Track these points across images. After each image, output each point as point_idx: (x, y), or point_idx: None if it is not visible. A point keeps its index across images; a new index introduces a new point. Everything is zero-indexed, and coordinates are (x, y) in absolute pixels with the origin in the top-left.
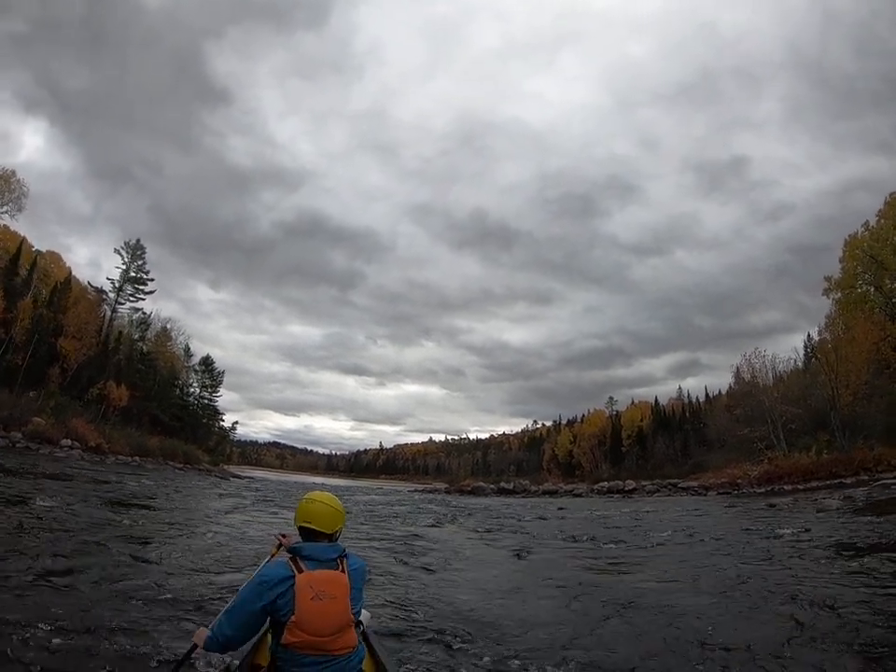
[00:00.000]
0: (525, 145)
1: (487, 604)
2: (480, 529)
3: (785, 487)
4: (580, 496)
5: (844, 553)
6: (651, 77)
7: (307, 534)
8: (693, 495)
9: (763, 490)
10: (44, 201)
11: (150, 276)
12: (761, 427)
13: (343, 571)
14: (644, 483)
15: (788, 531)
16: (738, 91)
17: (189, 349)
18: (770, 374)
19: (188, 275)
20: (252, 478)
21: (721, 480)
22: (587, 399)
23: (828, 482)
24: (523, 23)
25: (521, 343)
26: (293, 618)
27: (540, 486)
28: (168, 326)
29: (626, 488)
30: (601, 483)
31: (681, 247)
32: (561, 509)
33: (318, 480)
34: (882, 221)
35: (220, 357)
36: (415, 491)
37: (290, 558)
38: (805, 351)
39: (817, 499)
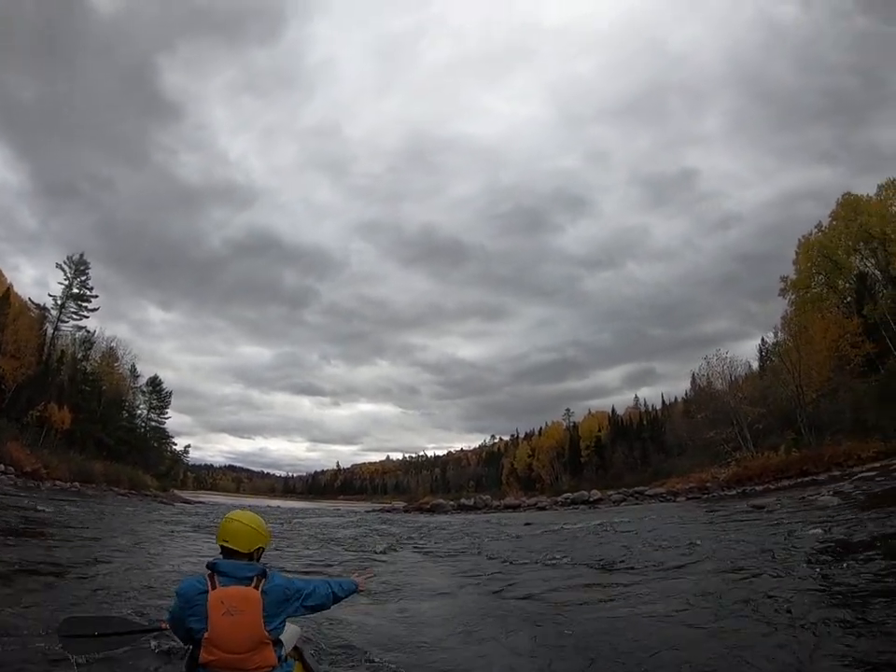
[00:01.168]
0: (474, 160)
1: (431, 643)
2: (438, 551)
3: (756, 488)
4: (543, 509)
5: None
6: (599, 93)
7: (226, 552)
8: (661, 501)
9: (734, 492)
10: None
11: (94, 293)
12: (726, 429)
13: (256, 588)
14: (609, 492)
15: (815, 531)
16: (684, 106)
17: (135, 369)
18: (729, 376)
19: (138, 295)
20: (202, 503)
21: (689, 484)
22: (543, 412)
23: (799, 479)
24: (474, 40)
25: (474, 359)
26: (206, 634)
27: (502, 501)
28: (113, 345)
29: (591, 499)
30: (565, 495)
31: (631, 259)
32: (528, 524)
33: (275, 503)
34: (835, 222)
35: (172, 380)
36: (373, 511)
37: (209, 574)
38: (760, 354)
39: (804, 497)
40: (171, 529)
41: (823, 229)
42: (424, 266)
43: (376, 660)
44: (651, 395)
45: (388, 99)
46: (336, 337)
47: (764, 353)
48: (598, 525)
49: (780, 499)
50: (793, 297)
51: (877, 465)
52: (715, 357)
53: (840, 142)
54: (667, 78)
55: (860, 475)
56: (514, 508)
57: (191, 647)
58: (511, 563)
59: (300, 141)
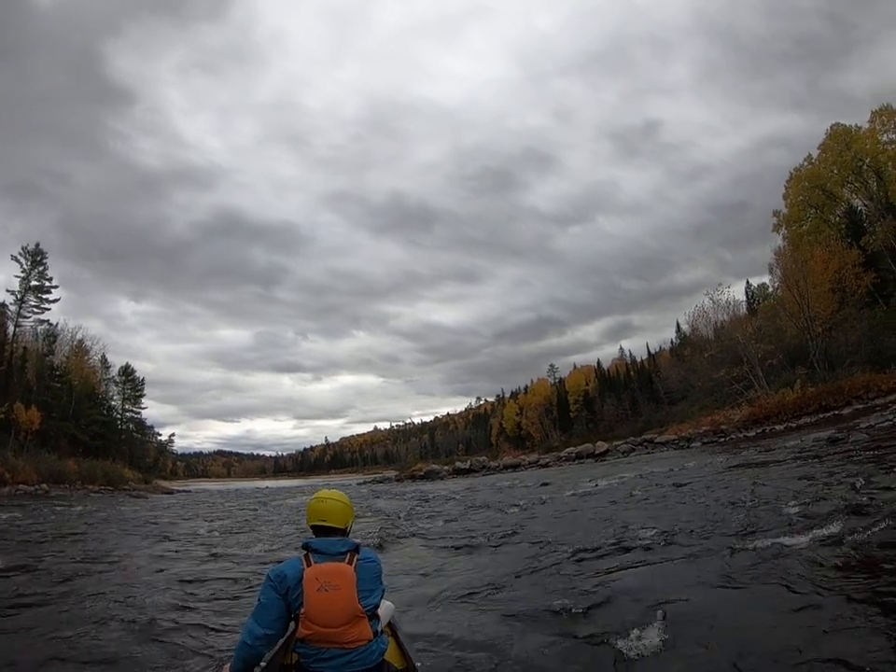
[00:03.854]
0: (438, 123)
1: None
2: (456, 537)
3: (776, 427)
4: (547, 466)
5: None
6: (561, 48)
7: (320, 531)
8: (676, 448)
9: (753, 433)
10: None
11: (54, 283)
12: (735, 369)
13: (350, 564)
14: (616, 443)
15: None
16: (650, 56)
17: (106, 360)
18: (732, 313)
19: (107, 290)
20: (186, 491)
21: (702, 429)
22: (526, 371)
23: (821, 415)
24: (425, 2)
25: (453, 323)
26: (303, 610)
27: (500, 461)
28: (80, 337)
29: (597, 451)
30: (568, 450)
31: (603, 214)
32: (545, 484)
33: (264, 484)
34: (824, 154)
35: (152, 371)
36: (364, 483)
37: (304, 554)
38: (747, 297)
39: (859, 425)
40: (115, 537)
41: (813, 161)
42: (394, 234)
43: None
44: (634, 346)
45: (345, 67)
46: (311, 312)
47: (751, 295)
48: (636, 478)
49: (854, 430)
50: (786, 232)
51: None
52: (711, 298)
53: (810, 88)
54: (632, 29)
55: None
56: (515, 467)
57: (292, 623)
58: (589, 550)
59: (258, 116)
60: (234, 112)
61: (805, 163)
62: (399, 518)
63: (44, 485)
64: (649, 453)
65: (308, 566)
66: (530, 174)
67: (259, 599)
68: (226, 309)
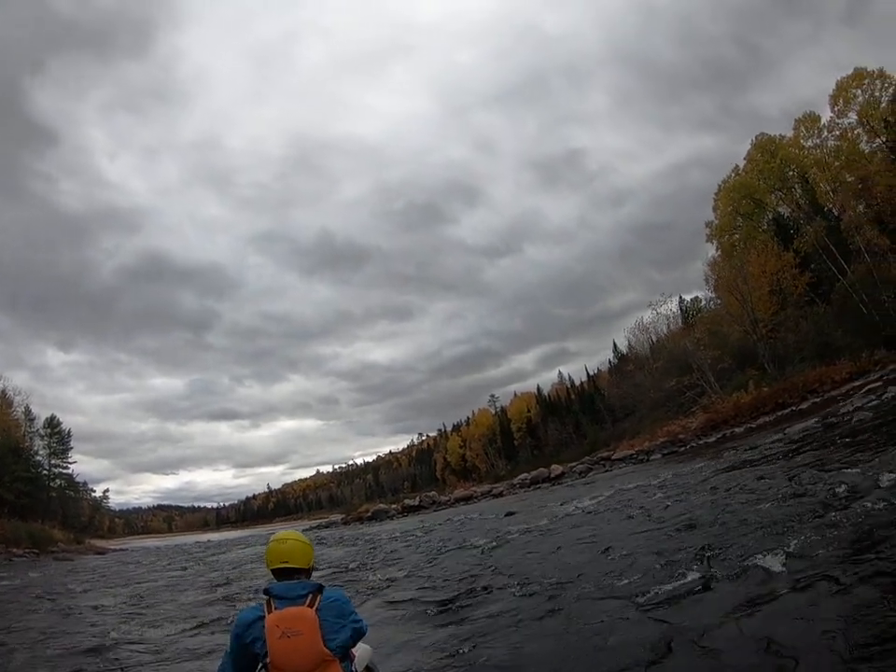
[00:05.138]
0: (361, 159)
1: None
2: (419, 584)
3: (736, 430)
4: (501, 495)
5: None
6: (480, 82)
7: (281, 574)
8: (636, 463)
9: (713, 439)
10: None
11: None
12: (687, 377)
13: (311, 606)
14: (571, 463)
15: None
16: (566, 87)
17: (29, 411)
18: (675, 323)
19: (34, 339)
20: (125, 550)
21: (660, 440)
22: (466, 404)
23: (779, 413)
24: (347, 40)
25: (388, 361)
26: (268, 659)
27: (451, 495)
28: (2, 387)
29: (553, 475)
30: (521, 476)
31: (529, 244)
32: (511, 514)
33: (205, 537)
34: (750, 165)
35: (84, 424)
36: (309, 529)
37: (266, 600)
38: (681, 311)
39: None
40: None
41: (740, 172)
42: (323, 273)
43: None
44: (572, 371)
45: (267, 106)
46: (244, 357)
47: (685, 309)
48: (614, 496)
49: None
50: (718, 242)
51: (857, 383)
52: (655, 309)
53: (722, 109)
54: (547, 62)
55: (856, 395)
56: (467, 499)
57: None
58: (626, 592)
59: (181, 156)
60: (158, 152)
61: (733, 174)
62: (349, 570)
63: None
64: (607, 470)
65: (269, 612)
66: (456, 206)
67: (229, 645)
68: (157, 356)
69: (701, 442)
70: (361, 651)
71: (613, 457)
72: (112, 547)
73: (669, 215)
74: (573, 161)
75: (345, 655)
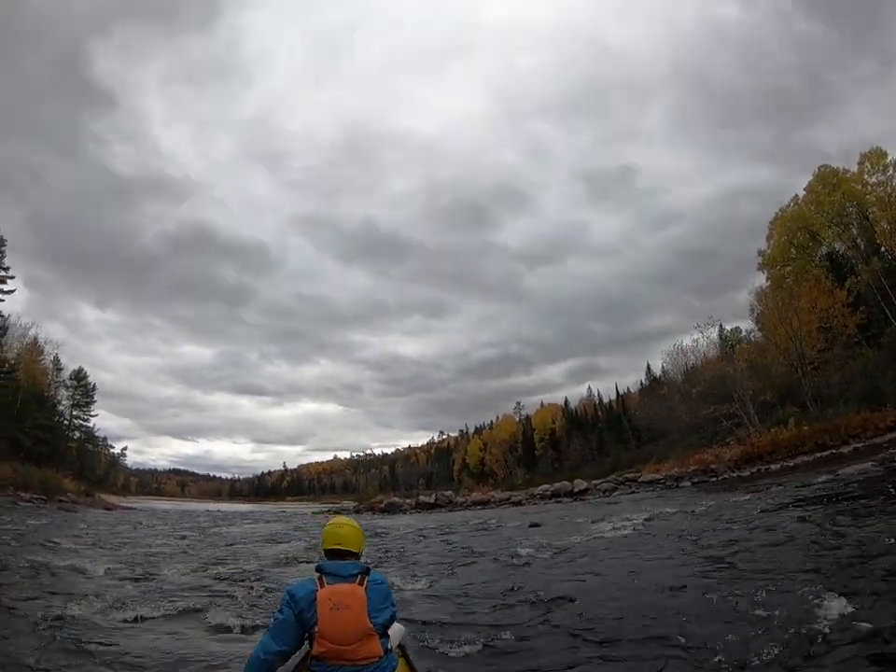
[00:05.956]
0: (413, 154)
1: None
2: (446, 602)
3: (771, 466)
4: (520, 503)
5: None
6: (538, 88)
7: (334, 554)
8: (664, 489)
9: (747, 473)
10: None
11: (10, 274)
12: (725, 406)
13: (361, 585)
14: (595, 481)
15: None
16: (625, 102)
17: (58, 361)
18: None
19: (72, 294)
20: (133, 509)
21: (691, 468)
22: (489, 407)
23: (818, 454)
24: (412, 34)
25: (417, 356)
26: (317, 628)
27: (468, 497)
28: (33, 333)
29: (576, 489)
30: (543, 487)
31: (572, 256)
32: (536, 525)
33: (216, 506)
34: (810, 196)
35: (111, 382)
36: (320, 512)
37: (318, 576)
38: (721, 340)
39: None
40: None
41: (799, 202)
42: (364, 262)
43: None
44: (600, 388)
45: (325, 92)
46: (276, 335)
47: (725, 339)
48: (653, 521)
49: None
50: (769, 272)
51: None
52: (701, 331)
53: (780, 141)
54: (608, 75)
55: None
56: (483, 504)
57: (307, 642)
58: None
59: (235, 133)
60: (213, 126)
61: (791, 204)
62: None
63: None
64: (633, 492)
65: (321, 587)
66: (502, 210)
67: (276, 615)
68: (190, 325)
69: (734, 475)
70: (395, 629)
71: (640, 479)
72: (121, 504)
73: (715, 242)
74: (624, 177)
75: (384, 633)
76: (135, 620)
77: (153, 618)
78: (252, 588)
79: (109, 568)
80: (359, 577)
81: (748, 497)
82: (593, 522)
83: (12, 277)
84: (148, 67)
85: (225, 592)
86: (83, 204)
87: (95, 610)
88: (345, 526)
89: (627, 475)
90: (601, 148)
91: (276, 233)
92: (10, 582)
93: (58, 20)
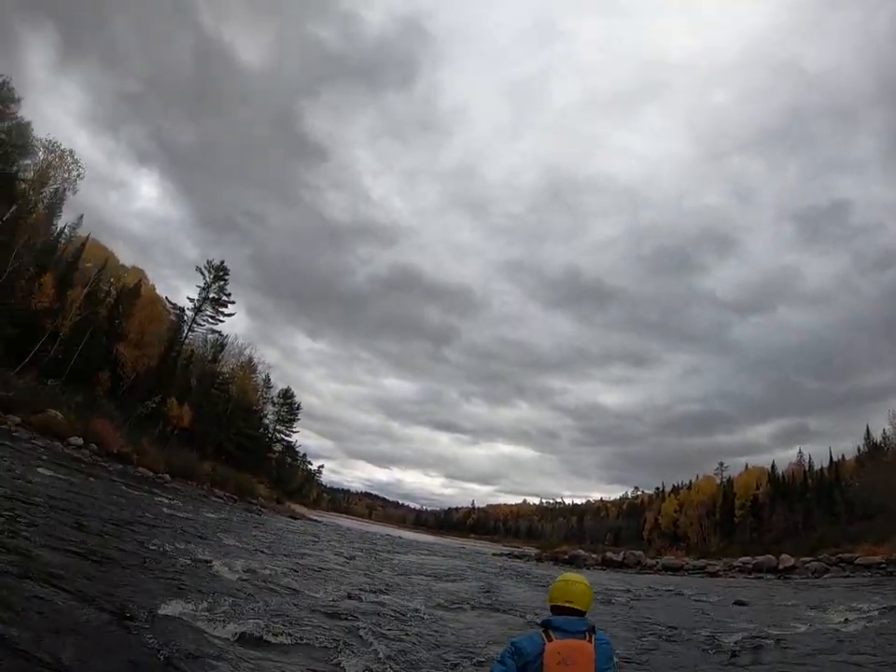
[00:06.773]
0: (614, 199)
1: None
2: None
3: None
4: (716, 574)
5: None
6: (736, 124)
7: (562, 610)
8: (883, 574)
9: None
10: (157, 246)
11: (231, 299)
12: None
13: (589, 642)
14: (804, 559)
15: None
16: (830, 130)
17: (269, 380)
18: None
19: (288, 323)
20: (318, 522)
21: None
22: (687, 467)
23: None
24: (602, 78)
25: (617, 407)
26: None
27: (658, 560)
28: (249, 353)
29: (781, 566)
30: (743, 559)
31: (782, 303)
32: (741, 604)
33: (398, 533)
34: None
35: (317, 406)
36: (501, 555)
37: (543, 630)
38: None
39: None
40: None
41: None
42: (567, 309)
43: None
44: (811, 452)
45: (523, 140)
46: (477, 376)
47: None
48: (881, 619)
49: None
50: None
51: None
52: None
53: None
54: (807, 101)
55: None
56: (675, 570)
57: None
58: None
59: (439, 182)
60: (418, 176)
61: None
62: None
63: (166, 475)
64: (847, 576)
65: (549, 640)
66: (708, 255)
67: (495, 667)
68: (395, 360)
69: None
70: None
71: (857, 561)
72: (308, 515)
73: None
74: (836, 213)
75: None
76: (237, 638)
77: (261, 640)
78: (404, 633)
79: (249, 574)
80: (587, 634)
81: None
82: (810, 608)
83: (233, 302)
84: (356, 123)
85: (370, 630)
86: (300, 245)
87: (193, 614)
88: (578, 584)
89: (841, 555)
90: (808, 183)
91: (481, 277)
92: (133, 564)
93: (272, 85)
